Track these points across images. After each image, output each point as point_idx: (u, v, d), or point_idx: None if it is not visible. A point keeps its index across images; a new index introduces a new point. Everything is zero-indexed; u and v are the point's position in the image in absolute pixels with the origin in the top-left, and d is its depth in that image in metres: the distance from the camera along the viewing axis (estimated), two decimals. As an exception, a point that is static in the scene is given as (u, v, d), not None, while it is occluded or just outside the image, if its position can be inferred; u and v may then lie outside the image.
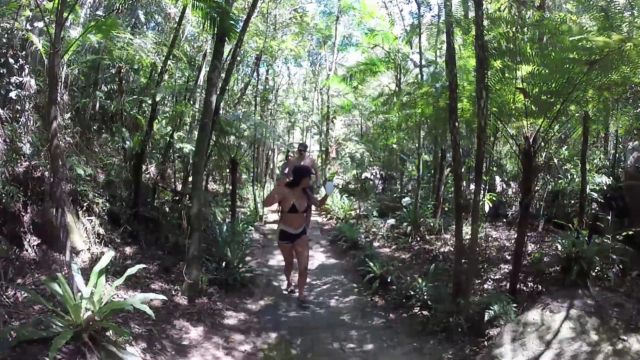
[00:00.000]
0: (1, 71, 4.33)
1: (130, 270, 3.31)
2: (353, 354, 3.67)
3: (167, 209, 6.42)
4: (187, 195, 6.32)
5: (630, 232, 4.56)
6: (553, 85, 3.95)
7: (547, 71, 3.87)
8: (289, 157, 9.81)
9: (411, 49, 10.15)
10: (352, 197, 10.90)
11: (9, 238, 3.63)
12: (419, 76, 8.62)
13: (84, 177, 4.71)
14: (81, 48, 5.54)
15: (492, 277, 4.97)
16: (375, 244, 7.04)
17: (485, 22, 3.99)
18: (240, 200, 10.84)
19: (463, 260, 4.16)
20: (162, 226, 5.55)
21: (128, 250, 4.80)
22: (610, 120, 5.25)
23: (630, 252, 4.39)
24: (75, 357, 2.62)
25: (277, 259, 6.45)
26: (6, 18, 4.42)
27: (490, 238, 6.43)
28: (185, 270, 4.36)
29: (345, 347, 3.76)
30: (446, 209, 7.91)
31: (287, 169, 8.56)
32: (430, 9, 11.63)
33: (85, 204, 4.66)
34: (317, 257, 6.83)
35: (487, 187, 7.33)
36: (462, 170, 5.77)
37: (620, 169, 6.53)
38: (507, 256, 5.55)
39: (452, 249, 5.46)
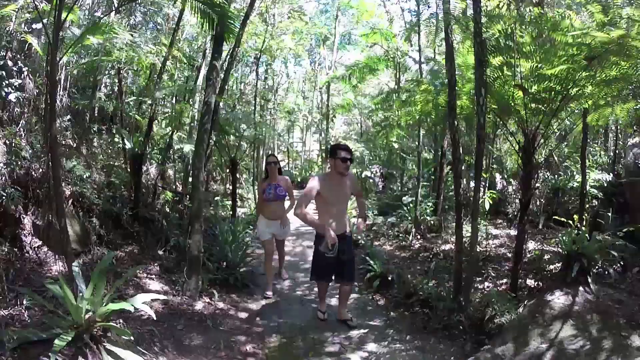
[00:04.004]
0: (0, 74, 4.33)
1: (131, 271, 3.32)
2: (354, 353, 3.67)
3: (167, 210, 6.42)
4: (188, 196, 6.32)
5: (631, 229, 4.55)
6: (552, 82, 3.94)
7: (546, 68, 3.86)
8: (273, 164, 5.06)
9: (410, 46, 10.15)
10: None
11: (9, 240, 3.64)
12: (418, 74, 8.61)
13: (84, 178, 4.72)
14: (80, 49, 5.54)
15: (493, 274, 4.97)
16: (376, 242, 7.03)
17: (484, 19, 3.98)
18: (240, 200, 10.83)
19: (463, 258, 4.16)
20: (162, 227, 5.55)
21: (129, 250, 4.80)
22: (610, 117, 5.24)
23: (631, 249, 4.39)
24: (77, 358, 2.62)
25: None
26: (4, 20, 4.42)
27: (490, 236, 6.43)
28: (186, 271, 4.36)
29: (347, 347, 3.76)
30: (446, 207, 7.90)
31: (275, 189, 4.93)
32: (429, 7, 11.65)
33: (85, 205, 4.67)
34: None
35: (487, 185, 7.33)
36: (462, 167, 5.75)
37: (620, 166, 6.52)
38: (507, 254, 5.55)
39: (453, 247, 5.45)
